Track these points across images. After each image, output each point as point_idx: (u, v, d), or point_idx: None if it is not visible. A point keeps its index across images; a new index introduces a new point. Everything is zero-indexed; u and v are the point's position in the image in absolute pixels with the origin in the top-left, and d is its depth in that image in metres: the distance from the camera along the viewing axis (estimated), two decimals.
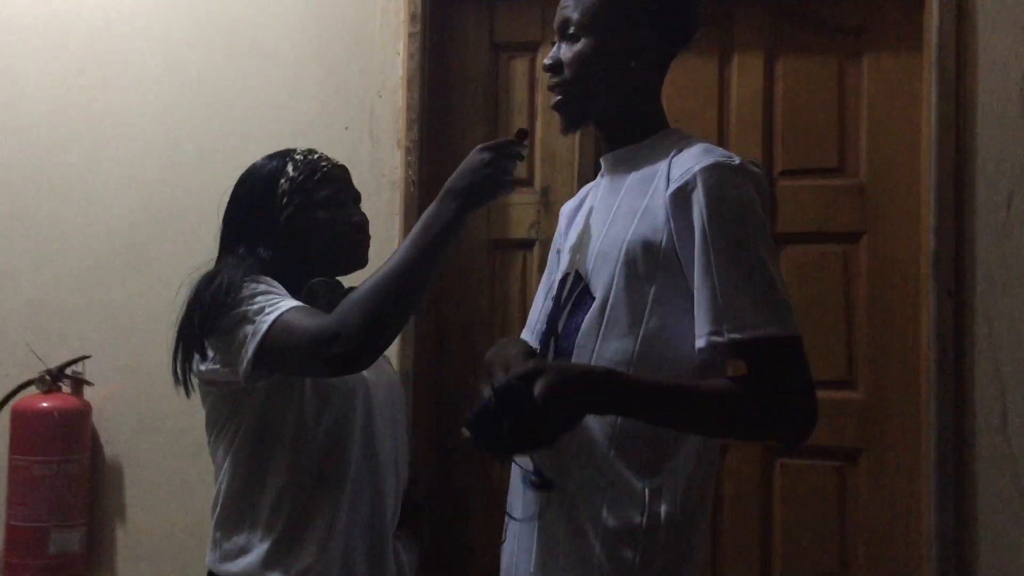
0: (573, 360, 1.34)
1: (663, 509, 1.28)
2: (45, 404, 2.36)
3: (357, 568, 1.56)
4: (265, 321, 1.44)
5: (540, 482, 1.29)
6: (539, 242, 2.30)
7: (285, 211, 1.61)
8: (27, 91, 2.53)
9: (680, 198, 1.29)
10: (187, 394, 1.58)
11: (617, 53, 1.36)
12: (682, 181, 1.29)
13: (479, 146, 1.43)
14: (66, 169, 2.51)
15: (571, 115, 1.40)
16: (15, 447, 2.35)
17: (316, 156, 1.68)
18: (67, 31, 2.52)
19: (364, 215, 1.68)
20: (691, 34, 1.43)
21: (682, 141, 1.38)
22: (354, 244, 1.67)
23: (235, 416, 1.57)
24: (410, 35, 2.31)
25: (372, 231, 1.67)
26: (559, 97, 1.38)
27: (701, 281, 1.25)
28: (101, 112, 2.50)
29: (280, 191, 1.63)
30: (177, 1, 2.47)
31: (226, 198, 1.68)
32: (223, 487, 1.58)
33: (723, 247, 1.25)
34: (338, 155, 1.69)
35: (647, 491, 1.29)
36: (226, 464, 1.58)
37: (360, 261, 1.69)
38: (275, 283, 1.53)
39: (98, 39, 2.51)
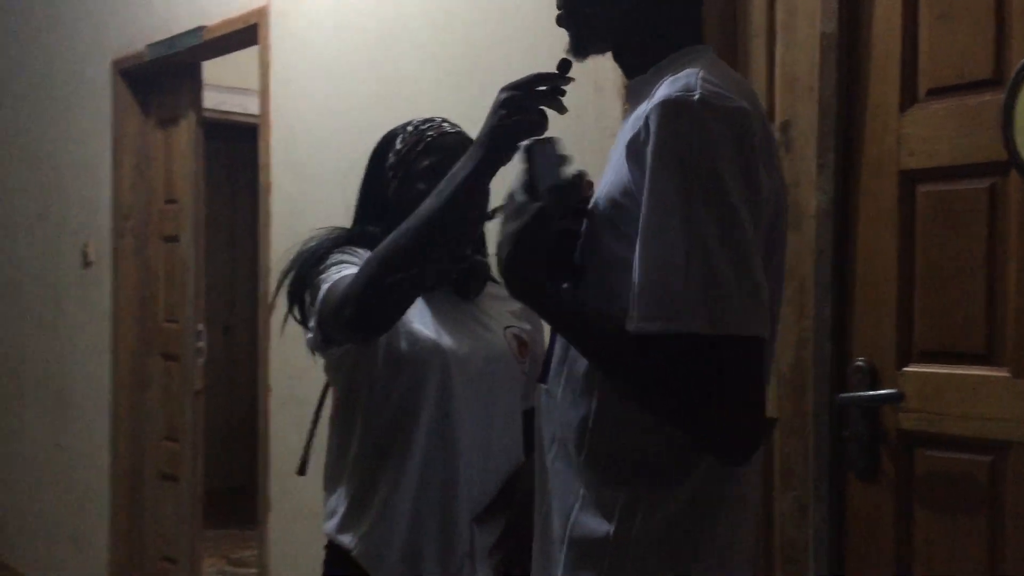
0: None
1: (638, 522, 1.09)
2: None
3: (421, 542, 1.53)
4: (321, 291, 1.44)
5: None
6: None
7: (391, 184, 1.60)
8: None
9: (633, 148, 1.04)
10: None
11: None
12: (636, 127, 1.04)
13: (503, 86, 1.26)
14: None
15: (572, 33, 1.21)
16: None
17: (426, 126, 1.62)
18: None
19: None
20: None
21: (682, 66, 1.08)
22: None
23: (334, 383, 1.61)
24: None
25: None
26: (559, 11, 1.21)
27: (637, 249, 1.02)
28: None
29: (388, 164, 1.61)
30: None
31: None
32: (327, 450, 1.63)
33: (654, 210, 1.00)
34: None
35: (618, 503, 1.10)
36: (329, 428, 1.64)
37: (471, 235, 1.60)
38: (359, 253, 1.53)
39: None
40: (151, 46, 3.70)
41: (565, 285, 1.19)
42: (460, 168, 1.34)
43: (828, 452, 1.87)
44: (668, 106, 1.03)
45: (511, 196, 1.19)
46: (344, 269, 1.49)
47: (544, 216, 1.13)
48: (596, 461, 1.15)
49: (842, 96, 1.84)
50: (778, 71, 1.95)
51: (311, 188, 2.97)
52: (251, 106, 3.62)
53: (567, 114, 1.30)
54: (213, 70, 3.89)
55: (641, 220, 1.03)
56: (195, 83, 3.81)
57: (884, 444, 1.81)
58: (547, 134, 1.26)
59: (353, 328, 1.43)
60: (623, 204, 1.10)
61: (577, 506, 1.16)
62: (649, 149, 1.03)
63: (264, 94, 3.15)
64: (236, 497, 5.45)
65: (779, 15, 1.95)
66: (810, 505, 1.90)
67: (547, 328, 1.30)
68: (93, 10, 4.10)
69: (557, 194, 1.15)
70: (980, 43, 1.68)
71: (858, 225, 1.85)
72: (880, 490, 1.82)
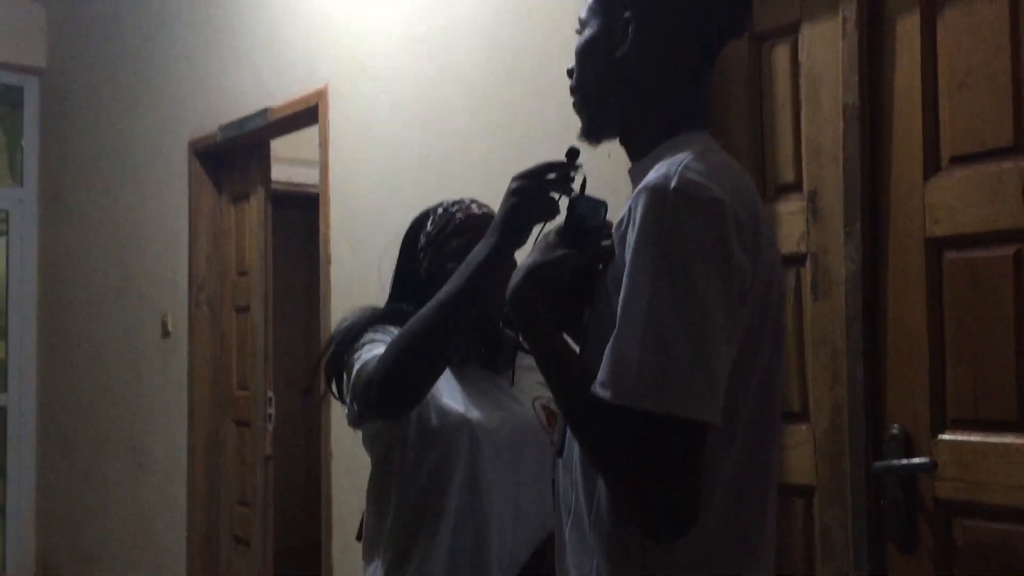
0: None
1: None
2: None
3: None
4: (354, 370, 1.51)
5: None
6: (811, 255, 1.96)
7: (423, 264, 1.66)
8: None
9: (620, 232, 1.10)
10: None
11: (608, 42, 1.20)
12: (623, 212, 1.08)
13: (515, 175, 1.34)
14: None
15: (583, 119, 1.27)
16: None
17: (455, 208, 1.69)
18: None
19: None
20: (722, 19, 1.15)
21: (675, 152, 1.12)
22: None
23: (371, 455, 1.66)
24: None
25: None
26: (573, 99, 1.27)
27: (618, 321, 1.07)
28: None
29: (420, 245, 1.68)
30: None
31: None
32: (364, 521, 1.68)
33: (626, 288, 1.05)
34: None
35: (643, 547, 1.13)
36: (366, 500, 1.70)
37: (495, 315, 1.66)
38: (391, 331, 1.59)
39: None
40: (222, 127, 3.89)
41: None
42: (476, 253, 1.41)
43: (866, 521, 1.85)
44: (647, 194, 1.07)
45: (546, 234, 1.25)
46: (375, 348, 1.56)
47: (565, 262, 1.20)
48: (607, 535, 1.17)
49: (866, 165, 1.86)
50: (804, 141, 1.98)
51: (368, 260, 3.07)
52: None
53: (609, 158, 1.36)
54: (289, 145, 4.07)
55: (620, 297, 1.08)
56: (263, 161, 3.99)
57: (922, 513, 1.79)
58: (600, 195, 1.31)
59: (380, 407, 1.50)
60: (618, 280, 1.14)
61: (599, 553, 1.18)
62: (629, 235, 1.08)
63: (324, 170, 3.28)
64: (312, 557, 5.53)
65: (803, 87, 1.98)
66: (850, 574, 1.88)
67: None
68: (170, 96, 4.33)
69: (583, 248, 1.21)
70: (999, 111, 1.69)
71: (887, 292, 1.85)
72: (920, 561, 1.79)
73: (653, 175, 1.10)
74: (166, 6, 4.38)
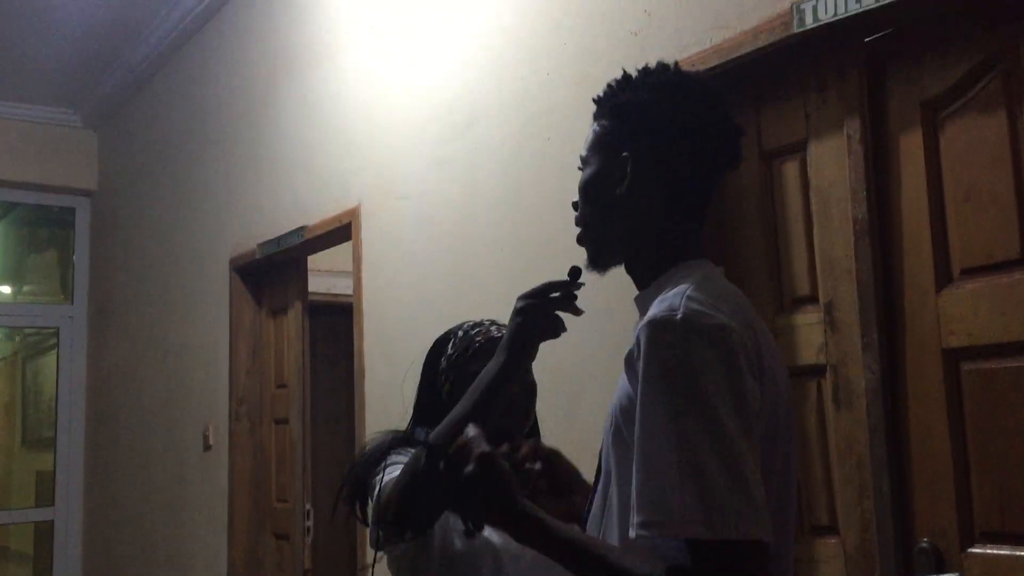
0: None
1: None
2: None
3: None
4: (375, 493, 1.54)
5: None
6: (831, 367, 1.97)
7: (444, 387, 1.70)
8: None
9: (628, 363, 1.11)
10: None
11: (608, 180, 1.25)
12: (632, 344, 1.10)
13: (520, 295, 1.40)
14: None
15: (588, 250, 1.31)
16: None
17: (475, 331, 1.73)
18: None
19: (518, 388, 1.66)
20: (714, 157, 1.21)
21: (678, 281, 1.16)
22: (506, 415, 1.66)
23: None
24: None
25: None
26: (578, 231, 1.32)
27: (635, 462, 1.07)
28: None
29: (440, 368, 1.72)
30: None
31: None
32: None
33: (645, 422, 1.06)
34: None
35: None
36: None
37: (514, 430, 1.68)
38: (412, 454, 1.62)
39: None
40: (261, 245, 4.01)
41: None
42: (486, 373, 1.46)
43: None
44: (653, 326, 1.10)
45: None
46: (396, 471, 1.59)
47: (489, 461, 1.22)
48: None
49: (879, 277, 1.88)
50: (817, 254, 2.01)
51: (400, 373, 3.12)
52: None
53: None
54: (327, 256, 4.17)
55: (636, 435, 1.09)
56: (301, 275, 4.09)
57: None
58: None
59: (396, 528, 1.52)
60: (628, 412, 1.16)
61: None
62: (639, 366, 1.10)
63: (357, 284, 3.37)
64: None
65: (813, 203, 2.02)
66: None
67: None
68: (211, 215, 4.49)
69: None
70: (1004, 224, 1.71)
71: (908, 403, 1.85)
72: None
73: (656, 307, 1.14)
74: (208, 131, 4.57)
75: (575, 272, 1.39)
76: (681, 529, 1.04)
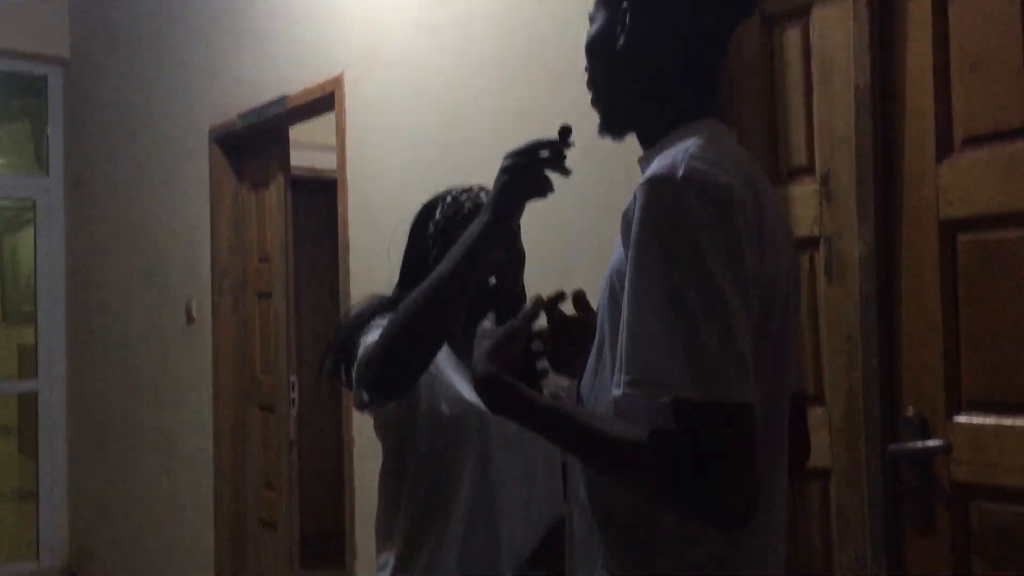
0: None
1: None
2: None
3: None
4: (359, 354, 1.52)
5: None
6: (825, 239, 1.95)
7: (432, 252, 1.67)
8: None
9: (625, 221, 1.08)
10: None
11: (609, 34, 1.21)
12: (630, 201, 1.07)
13: (507, 152, 1.35)
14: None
15: (600, 113, 1.27)
16: None
17: (464, 196, 1.69)
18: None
19: (504, 253, 1.64)
20: (720, 3, 1.16)
21: (682, 140, 1.12)
22: (496, 282, 1.64)
23: (382, 443, 1.68)
24: None
25: None
26: (591, 94, 1.28)
27: (621, 321, 1.04)
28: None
29: (429, 233, 1.68)
30: None
31: None
32: (377, 508, 1.71)
33: (637, 281, 1.03)
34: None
35: (635, 565, 1.13)
36: (379, 487, 1.73)
37: (501, 296, 1.66)
38: None
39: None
40: (241, 115, 3.92)
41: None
42: (469, 232, 1.42)
43: (883, 505, 1.85)
44: (652, 183, 1.07)
45: (481, 327, 1.30)
46: (379, 333, 1.58)
47: (509, 329, 1.27)
48: (612, 523, 1.18)
49: (879, 147, 1.85)
50: (816, 124, 1.97)
51: (386, 245, 3.09)
52: None
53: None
54: (308, 131, 4.08)
55: (626, 293, 1.07)
56: (282, 147, 4.01)
57: (938, 496, 1.79)
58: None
59: (379, 383, 1.50)
60: (623, 274, 1.13)
61: (599, 566, 1.19)
62: (633, 224, 1.07)
63: (341, 156, 3.30)
64: (339, 540, 5.59)
65: (814, 70, 1.97)
66: (868, 558, 1.88)
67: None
68: (190, 84, 4.36)
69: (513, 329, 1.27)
70: (1010, 93, 1.67)
71: (901, 274, 1.84)
72: (938, 544, 1.79)
73: (658, 164, 1.10)
74: None
75: (565, 131, 1.35)
76: (668, 389, 1.02)
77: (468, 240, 1.41)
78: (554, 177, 1.42)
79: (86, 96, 5.37)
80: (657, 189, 1.06)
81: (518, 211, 1.40)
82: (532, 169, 1.37)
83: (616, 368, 1.06)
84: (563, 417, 1.15)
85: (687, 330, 1.01)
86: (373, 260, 3.17)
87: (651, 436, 1.04)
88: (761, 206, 1.13)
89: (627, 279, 1.06)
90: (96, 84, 5.27)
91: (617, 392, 1.06)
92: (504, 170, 1.38)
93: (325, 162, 4.80)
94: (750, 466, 1.04)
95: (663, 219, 1.04)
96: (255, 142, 4.07)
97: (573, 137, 1.38)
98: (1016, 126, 1.67)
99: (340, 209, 3.30)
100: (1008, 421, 1.69)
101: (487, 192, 1.75)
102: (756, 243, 1.10)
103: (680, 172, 1.05)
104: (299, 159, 4.14)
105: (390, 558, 1.67)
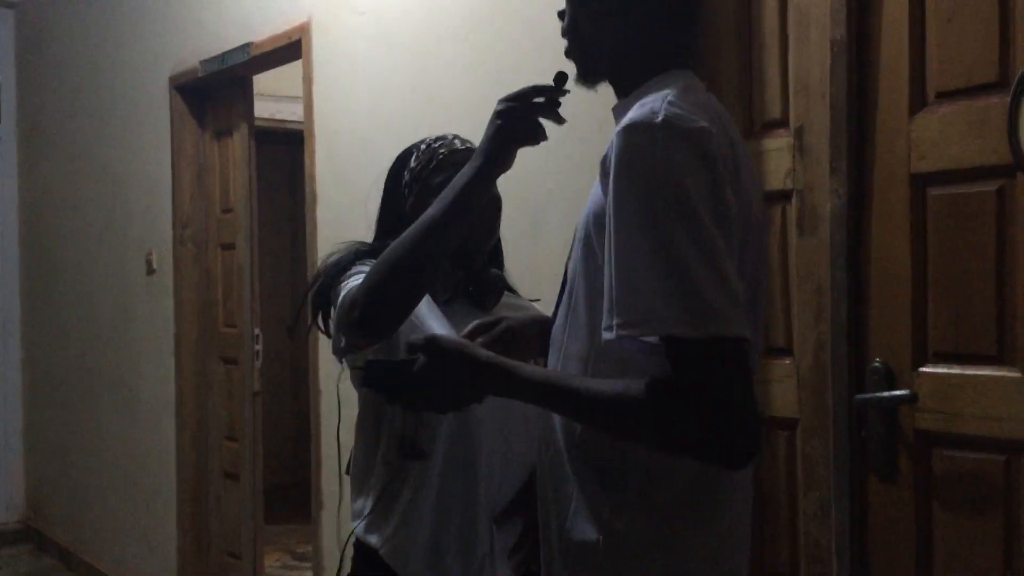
0: (550, 355, 1.25)
1: (627, 526, 1.12)
2: None
3: (444, 543, 1.59)
4: (339, 299, 1.52)
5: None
6: (797, 192, 1.98)
7: (407, 200, 1.67)
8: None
9: (604, 168, 1.09)
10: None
11: None
12: (608, 147, 1.08)
13: (501, 98, 1.35)
14: None
15: (576, 62, 1.28)
16: None
17: (438, 144, 1.69)
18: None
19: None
20: None
21: (657, 90, 1.13)
22: (471, 230, 1.64)
23: (359, 390, 1.69)
24: None
25: None
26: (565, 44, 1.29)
27: (606, 266, 1.05)
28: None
29: (404, 182, 1.68)
30: None
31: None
32: (353, 454, 1.71)
33: (622, 225, 1.04)
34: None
35: (608, 507, 1.14)
36: (355, 433, 1.73)
37: (477, 245, 1.67)
38: None
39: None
40: (204, 62, 3.84)
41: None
42: (460, 177, 1.41)
43: (848, 452, 1.89)
44: (632, 129, 1.07)
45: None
46: (360, 280, 1.57)
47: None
48: (586, 466, 1.19)
49: (853, 101, 1.86)
50: (791, 77, 1.98)
51: (355, 197, 3.07)
52: None
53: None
54: (272, 81, 4.02)
55: (610, 238, 1.07)
56: (246, 96, 3.94)
57: (902, 444, 1.83)
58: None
59: (360, 329, 1.49)
60: (599, 218, 1.14)
61: (571, 509, 1.21)
62: (612, 169, 1.08)
63: (308, 106, 3.26)
64: (301, 492, 5.62)
65: (791, 23, 1.98)
66: (832, 505, 1.93)
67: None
68: (150, 30, 4.26)
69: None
70: (985, 47, 1.69)
71: (872, 228, 1.87)
72: (900, 490, 1.84)
73: (636, 111, 1.11)
74: None
75: (561, 77, 1.34)
76: (663, 327, 1.03)
77: (459, 184, 1.40)
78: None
79: (38, 41, 5.23)
80: (638, 134, 1.07)
81: (510, 157, 1.39)
82: (527, 115, 1.36)
83: (606, 312, 1.07)
84: (558, 387, 1.16)
85: (677, 268, 1.02)
86: (341, 211, 3.15)
87: (649, 384, 1.06)
88: (735, 150, 1.15)
89: (610, 223, 1.07)
90: (49, 28, 5.13)
91: (610, 335, 1.06)
92: (498, 114, 1.36)
93: (286, 113, 4.75)
94: (753, 399, 1.05)
95: (645, 163, 1.05)
96: (218, 91, 4.00)
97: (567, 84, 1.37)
98: (989, 80, 1.69)
99: (307, 161, 3.26)
100: (972, 371, 1.73)
101: (462, 140, 1.74)
102: (735, 186, 1.12)
103: (660, 117, 1.06)
104: (259, 110, 4.08)
105: (366, 504, 1.68)
